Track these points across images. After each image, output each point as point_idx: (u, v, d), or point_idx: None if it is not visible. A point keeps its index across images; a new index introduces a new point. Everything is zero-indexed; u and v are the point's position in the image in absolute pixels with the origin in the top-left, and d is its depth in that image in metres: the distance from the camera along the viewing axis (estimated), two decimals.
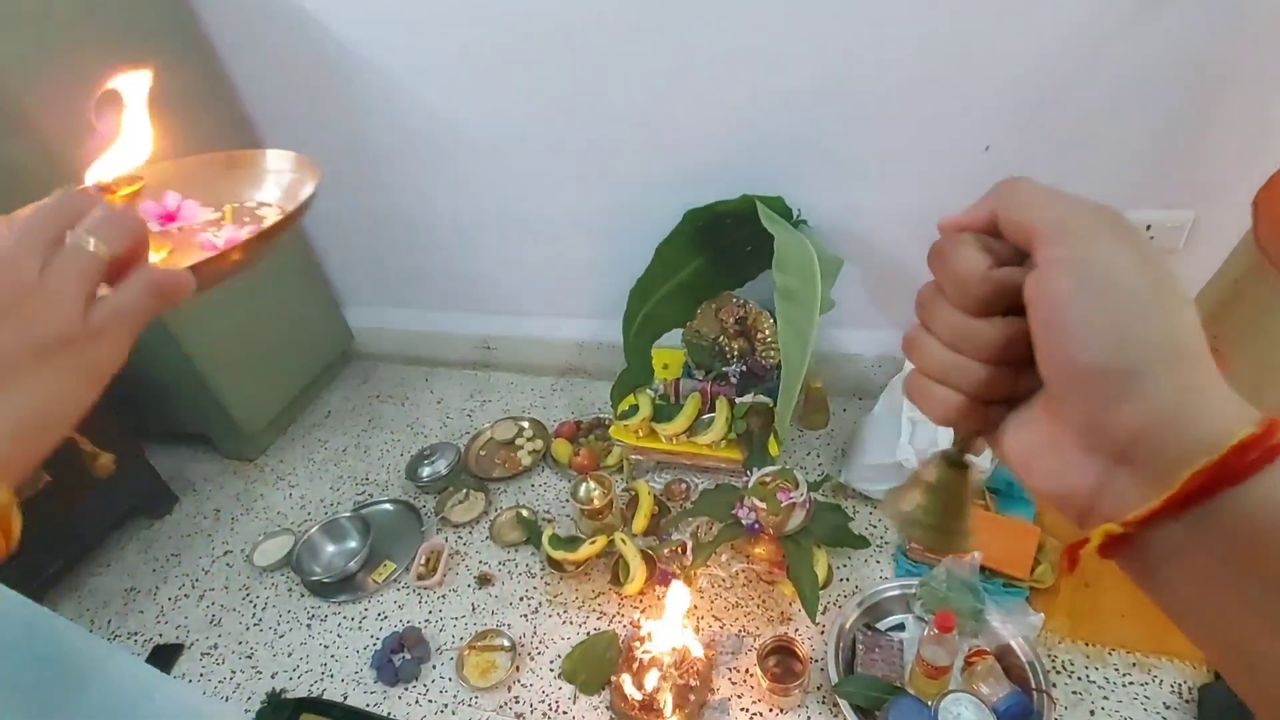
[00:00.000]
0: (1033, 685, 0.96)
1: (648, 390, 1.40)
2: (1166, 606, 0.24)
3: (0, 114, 1.13)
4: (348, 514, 1.42)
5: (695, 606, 1.17)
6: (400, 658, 1.17)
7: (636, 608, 1.19)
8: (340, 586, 1.31)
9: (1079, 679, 1.00)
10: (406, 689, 1.14)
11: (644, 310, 1.31)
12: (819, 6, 1.09)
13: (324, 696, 1.15)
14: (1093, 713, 0.97)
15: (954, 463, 0.32)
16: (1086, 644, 1.04)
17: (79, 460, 0.37)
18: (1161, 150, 1.09)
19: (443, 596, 1.27)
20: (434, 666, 1.16)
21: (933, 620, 0.95)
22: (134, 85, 0.39)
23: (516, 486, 1.47)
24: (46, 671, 0.57)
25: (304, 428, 1.74)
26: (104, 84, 0.39)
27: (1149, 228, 1.16)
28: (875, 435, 1.28)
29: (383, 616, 1.26)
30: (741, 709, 1.04)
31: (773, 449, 1.27)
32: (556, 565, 1.25)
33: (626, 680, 1.04)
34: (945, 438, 0.32)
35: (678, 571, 1.19)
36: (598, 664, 1.10)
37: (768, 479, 1.10)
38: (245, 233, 0.40)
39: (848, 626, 1.07)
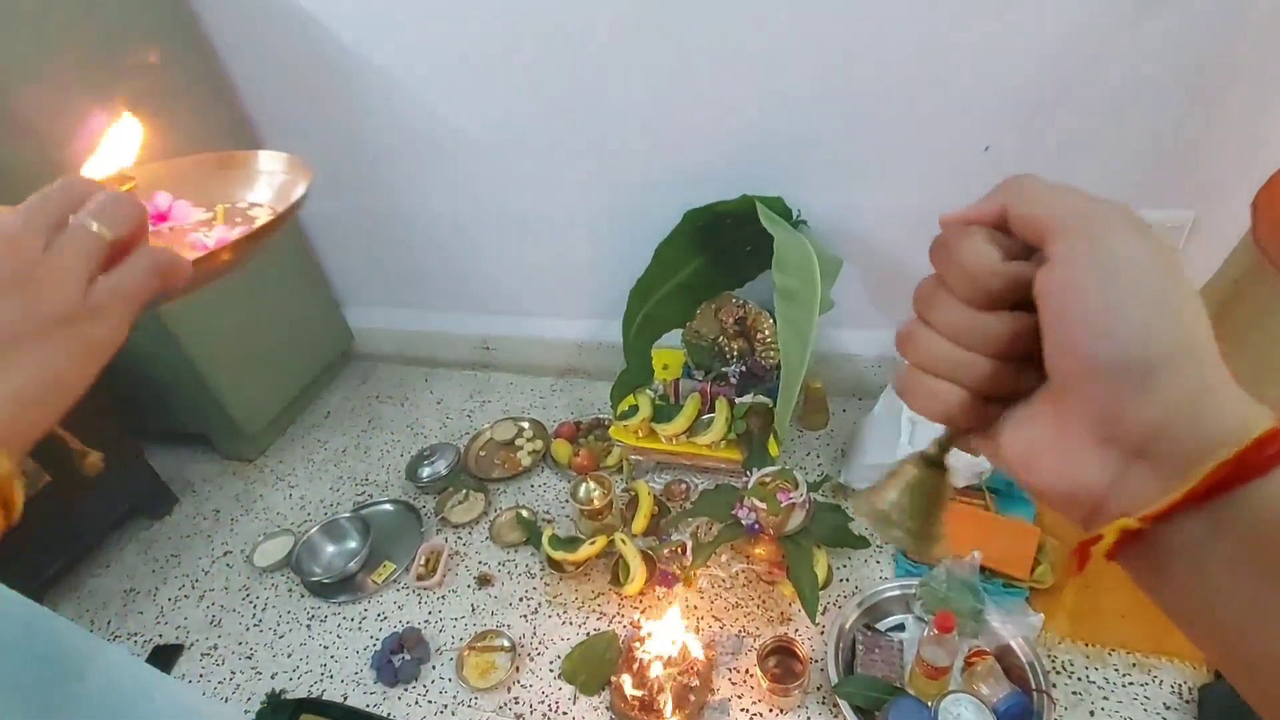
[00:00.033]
0: (1033, 686, 0.96)
1: (647, 391, 1.40)
2: (1173, 607, 0.24)
3: None
4: (347, 514, 1.42)
5: (695, 607, 1.17)
6: (400, 658, 1.17)
7: (636, 608, 1.19)
8: (340, 587, 1.31)
9: (1079, 679, 1.00)
10: (406, 689, 1.14)
11: (644, 310, 1.31)
12: (819, 7, 1.09)
13: (324, 697, 1.15)
14: (1093, 713, 0.97)
15: (933, 463, 0.31)
16: (1086, 644, 1.04)
17: (69, 459, 0.37)
18: (1161, 150, 1.09)
19: (442, 597, 1.27)
20: (434, 667, 1.16)
21: (933, 620, 0.95)
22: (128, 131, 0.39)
23: (516, 487, 1.47)
24: (46, 671, 0.57)
25: (304, 428, 1.74)
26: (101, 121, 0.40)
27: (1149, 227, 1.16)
28: (875, 435, 1.28)
29: (382, 617, 1.26)
30: (741, 709, 1.04)
31: (772, 449, 1.27)
32: (556, 566, 1.25)
33: (627, 681, 1.04)
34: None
35: (678, 572, 1.19)
36: (598, 664, 1.10)
37: (767, 479, 1.10)
38: (236, 233, 0.40)
39: (848, 627, 1.07)
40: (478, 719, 1.08)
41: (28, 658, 0.56)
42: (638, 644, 1.08)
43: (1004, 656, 1.00)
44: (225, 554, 1.44)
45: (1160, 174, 1.11)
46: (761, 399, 1.33)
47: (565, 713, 1.07)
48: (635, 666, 1.05)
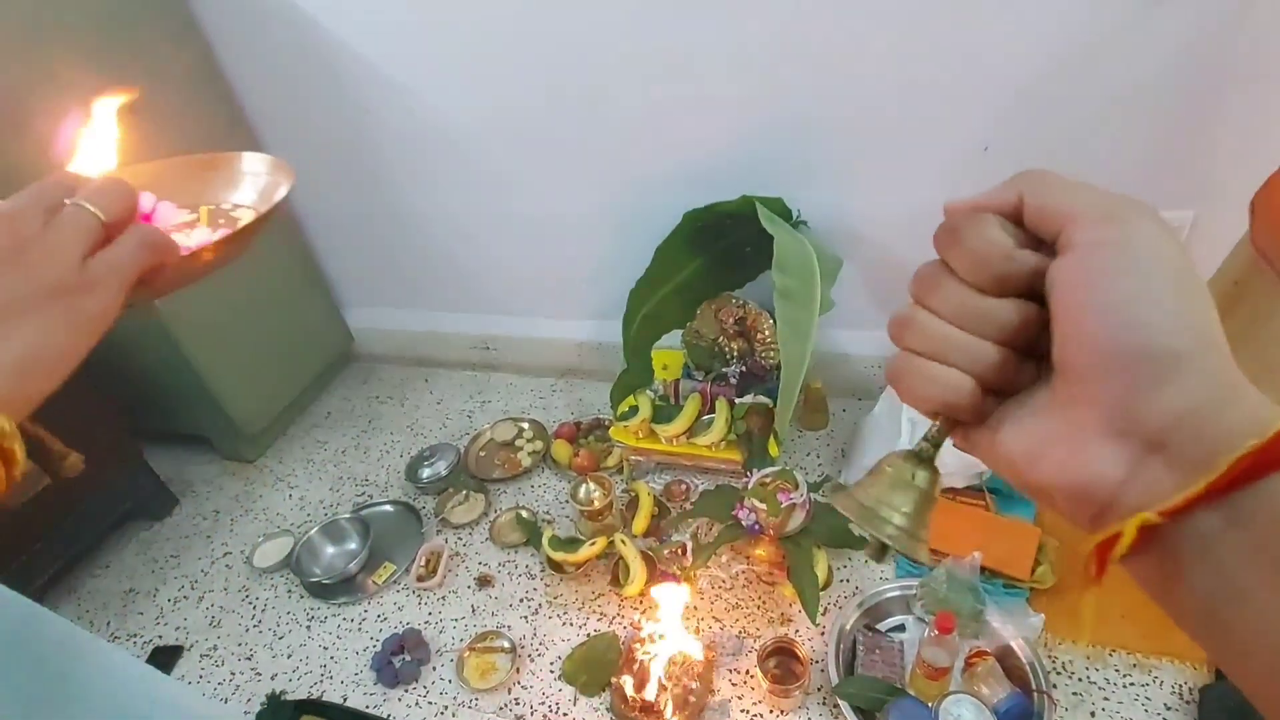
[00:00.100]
0: (1033, 686, 0.96)
1: (647, 391, 1.40)
2: (1183, 607, 0.23)
3: None
4: (347, 515, 1.42)
5: (695, 608, 1.17)
6: (400, 659, 1.16)
7: (637, 609, 1.19)
8: (340, 588, 1.31)
9: (1079, 680, 1.00)
10: (406, 691, 1.13)
11: (644, 311, 1.31)
12: (819, 7, 1.09)
13: (324, 698, 1.15)
14: (1093, 714, 0.97)
15: (922, 460, 0.30)
16: (1087, 645, 1.04)
17: (49, 461, 0.37)
18: (1161, 150, 1.09)
19: (442, 598, 1.27)
20: (434, 668, 1.16)
21: (933, 621, 0.95)
22: (108, 106, 0.41)
23: (516, 487, 1.47)
24: (44, 672, 0.57)
25: (303, 429, 1.74)
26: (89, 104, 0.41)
27: None
28: (875, 436, 1.28)
29: (382, 618, 1.25)
30: (742, 710, 1.04)
31: (773, 450, 1.27)
32: (556, 566, 1.25)
33: (627, 682, 1.04)
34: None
35: (678, 573, 1.19)
36: (598, 665, 1.10)
37: (768, 480, 1.10)
38: (218, 235, 0.42)
39: (848, 628, 1.07)
40: None
41: (26, 658, 0.55)
42: (638, 645, 1.08)
43: (1004, 657, 1.00)
44: (225, 555, 1.44)
45: (1159, 174, 1.11)
46: (761, 399, 1.33)
47: (566, 714, 1.07)
48: (636, 667, 1.05)
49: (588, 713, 1.06)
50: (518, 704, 1.09)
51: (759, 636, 1.12)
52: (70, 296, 0.31)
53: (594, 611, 1.20)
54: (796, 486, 1.08)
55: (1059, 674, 1.01)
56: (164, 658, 1.25)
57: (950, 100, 1.12)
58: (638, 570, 1.18)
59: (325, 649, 1.22)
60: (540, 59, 1.27)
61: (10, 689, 0.53)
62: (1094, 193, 0.25)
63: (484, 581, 1.28)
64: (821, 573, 1.11)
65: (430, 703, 1.11)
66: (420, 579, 1.29)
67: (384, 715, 1.11)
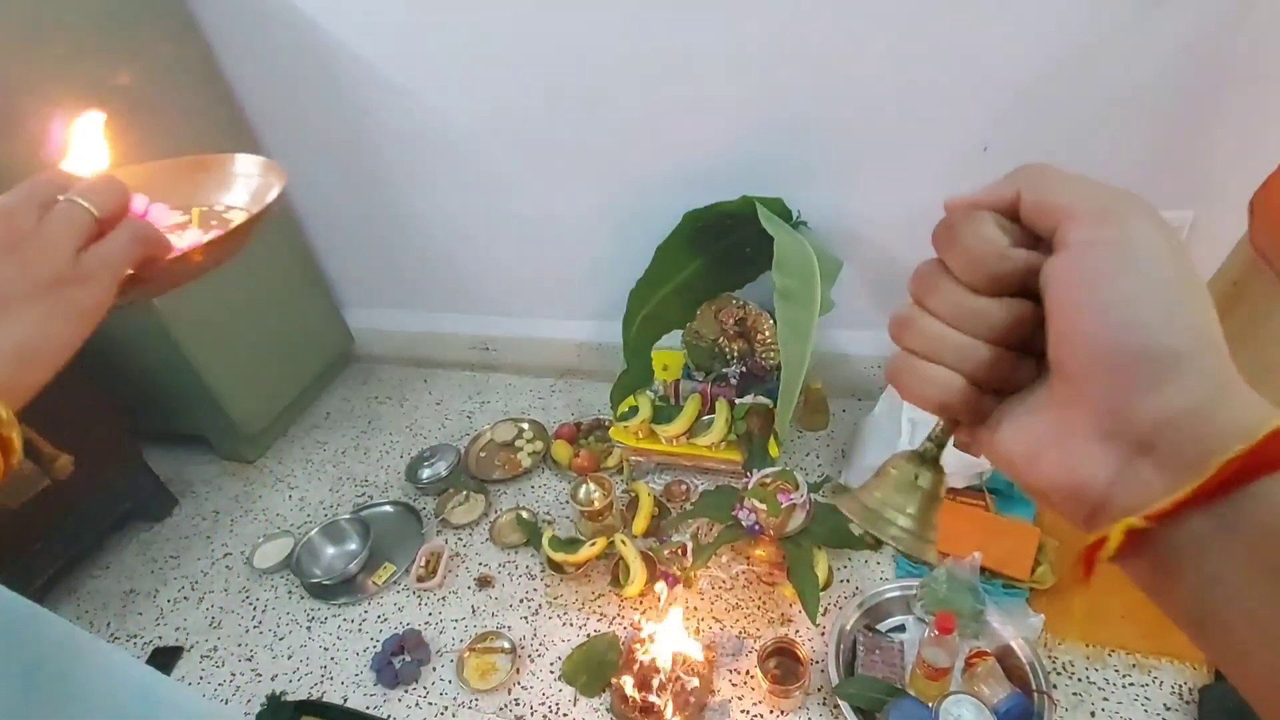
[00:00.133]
0: (1033, 686, 0.96)
1: (647, 392, 1.40)
2: (1177, 608, 0.23)
3: None
4: (347, 516, 1.42)
5: (695, 608, 1.17)
6: (400, 660, 1.16)
7: (637, 609, 1.19)
8: (340, 589, 1.31)
9: (1079, 680, 1.00)
10: (406, 691, 1.13)
11: (644, 311, 1.31)
12: (818, 9, 1.09)
13: (324, 699, 1.15)
14: (1093, 714, 0.97)
15: (927, 460, 0.30)
16: (1087, 645, 1.04)
17: (39, 462, 0.38)
18: (1160, 150, 1.09)
19: (443, 598, 1.27)
20: (434, 669, 1.16)
21: (933, 622, 0.95)
22: (93, 120, 0.41)
23: (516, 488, 1.47)
24: (44, 673, 0.57)
25: (303, 429, 1.74)
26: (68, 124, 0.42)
27: None
28: (875, 436, 1.28)
29: (382, 619, 1.25)
30: (742, 711, 1.04)
31: (773, 450, 1.27)
32: (556, 567, 1.25)
33: (627, 682, 1.04)
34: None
35: (678, 573, 1.19)
36: (598, 666, 1.10)
37: (768, 480, 1.10)
38: (209, 236, 0.42)
39: (848, 628, 1.07)
40: None
41: (23, 658, 0.55)
42: (638, 646, 1.08)
43: (1004, 657, 1.00)
44: (225, 555, 1.44)
45: (1159, 174, 1.11)
46: (762, 400, 1.33)
47: (566, 714, 1.07)
48: (636, 668, 1.05)
49: (588, 713, 1.06)
50: (518, 704, 1.09)
51: (759, 637, 1.12)
52: (65, 288, 0.32)
53: (594, 612, 1.20)
54: (796, 487, 1.09)
55: (1059, 674, 1.01)
56: (164, 658, 1.25)
57: (950, 101, 1.12)
58: (638, 571, 1.18)
59: (325, 650, 1.22)
60: (540, 60, 1.27)
61: (10, 690, 0.53)
62: (1091, 188, 0.25)
63: (484, 582, 1.28)
64: (821, 573, 1.11)
65: (430, 703, 1.11)
66: (420, 579, 1.29)
67: (384, 716, 1.11)
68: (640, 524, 1.28)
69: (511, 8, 1.23)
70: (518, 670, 1.13)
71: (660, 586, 1.15)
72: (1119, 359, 0.22)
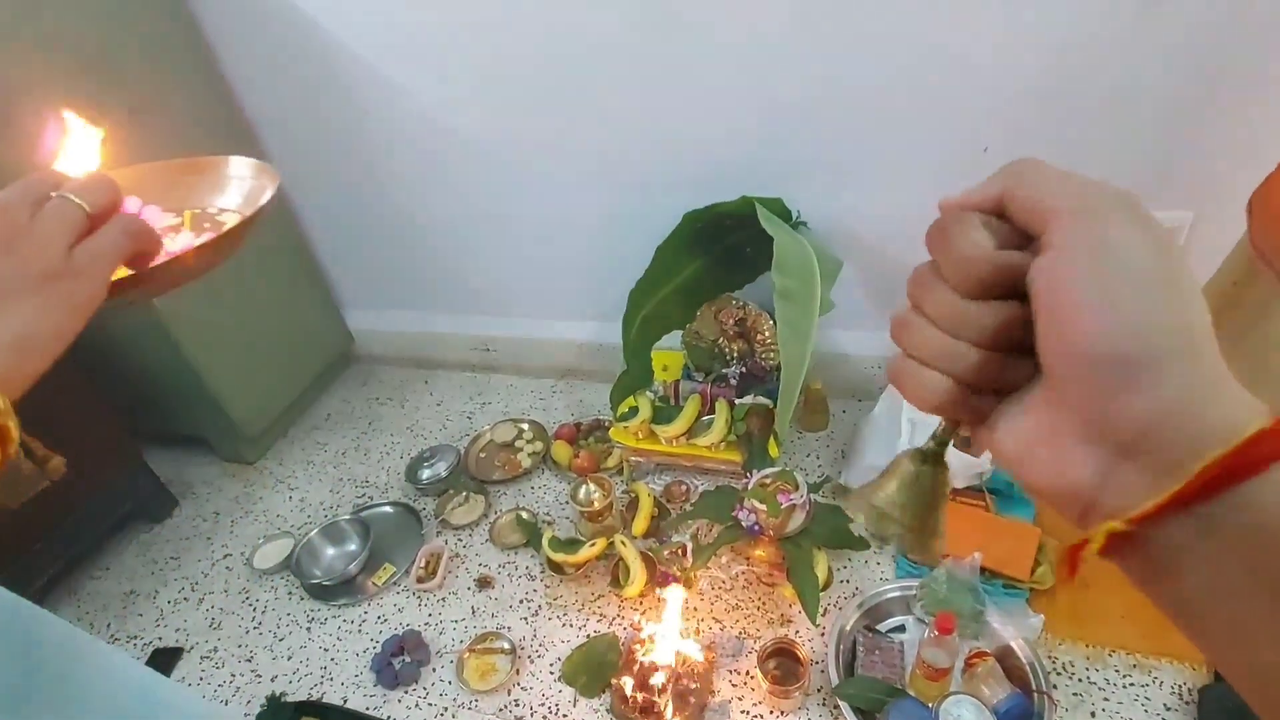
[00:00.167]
0: (1033, 687, 0.96)
1: (647, 392, 1.40)
2: (1169, 609, 0.24)
3: None
4: (347, 517, 1.42)
5: (695, 609, 1.17)
6: (400, 661, 1.16)
7: (636, 610, 1.19)
8: (340, 589, 1.31)
9: (1079, 680, 1.00)
10: (406, 692, 1.13)
11: (643, 312, 1.31)
12: (819, 9, 1.09)
13: (324, 700, 1.15)
14: (1093, 714, 0.97)
15: (931, 458, 0.30)
16: (1087, 645, 1.04)
17: (32, 463, 0.38)
18: (1160, 151, 1.09)
19: (442, 599, 1.27)
20: (434, 669, 1.16)
21: (933, 622, 0.95)
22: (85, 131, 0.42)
23: (516, 489, 1.47)
24: (44, 674, 0.57)
25: (303, 430, 1.74)
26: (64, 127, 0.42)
27: None
28: (875, 436, 1.28)
29: (382, 619, 1.25)
30: (742, 711, 1.04)
31: (773, 451, 1.27)
32: (556, 568, 1.25)
33: (627, 683, 1.04)
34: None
35: (678, 574, 1.19)
36: (598, 666, 1.10)
37: (768, 481, 1.10)
38: (202, 239, 0.42)
39: (848, 628, 1.07)
40: None
41: (23, 659, 0.55)
42: (638, 646, 1.08)
43: (1005, 658, 1.00)
44: (225, 556, 1.44)
45: (1159, 174, 1.11)
46: (761, 400, 1.33)
47: (565, 715, 1.07)
48: (636, 668, 1.05)
49: (587, 714, 1.06)
50: (518, 705, 1.09)
51: (759, 637, 1.12)
52: (58, 282, 0.33)
53: (594, 613, 1.20)
54: (796, 487, 1.09)
55: (1059, 674, 1.01)
56: (164, 659, 1.25)
57: (950, 101, 1.13)
58: (638, 571, 1.18)
59: (325, 650, 1.22)
60: (540, 60, 1.27)
61: (10, 691, 0.53)
62: (1075, 186, 0.24)
63: (484, 583, 1.28)
64: (821, 573, 1.11)
65: (430, 704, 1.11)
66: (420, 580, 1.29)
67: (384, 717, 1.11)
68: (640, 525, 1.28)
69: (511, 8, 1.23)
70: (517, 671, 1.13)
71: (671, 593, 1.10)
72: (1097, 364, 0.22)
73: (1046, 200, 0.24)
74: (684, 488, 1.39)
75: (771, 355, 1.34)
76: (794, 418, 1.45)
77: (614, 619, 1.19)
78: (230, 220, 0.46)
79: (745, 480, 1.15)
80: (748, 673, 1.08)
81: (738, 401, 1.35)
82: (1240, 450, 0.20)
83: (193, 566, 1.43)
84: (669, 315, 1.34)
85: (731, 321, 1.37)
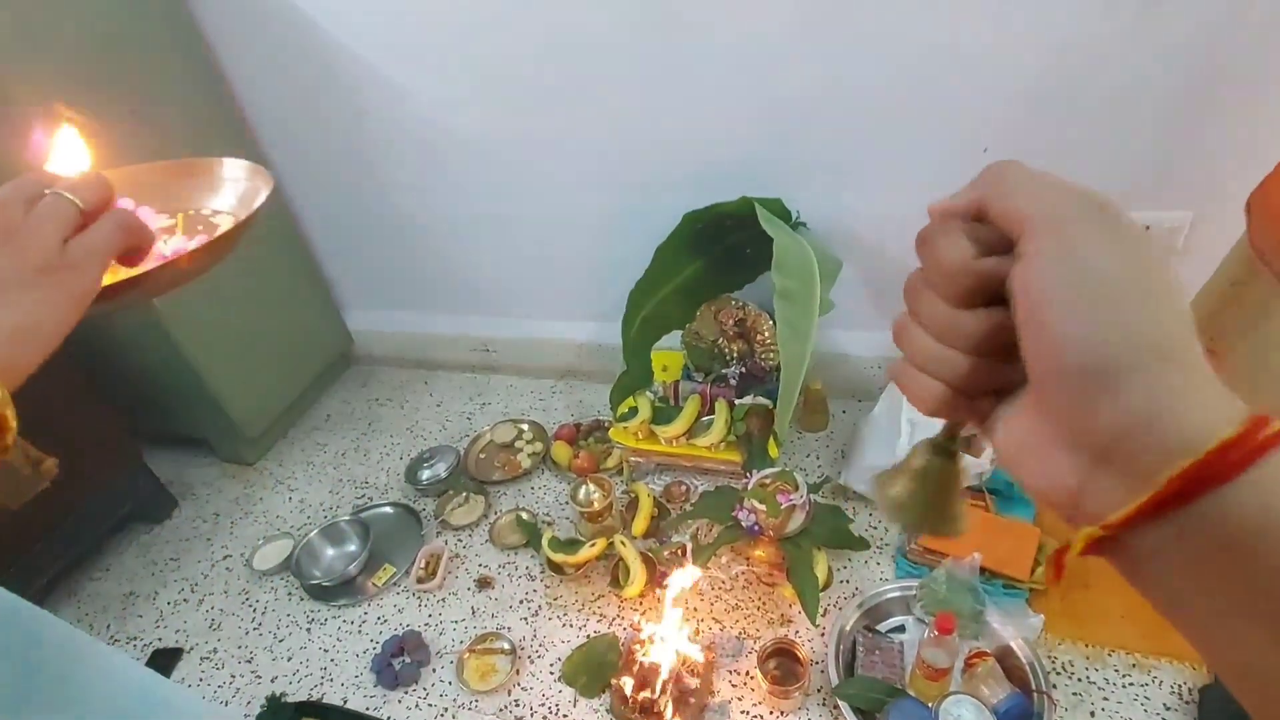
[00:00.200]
0: (1033, 687, 0.96)
1: (647, 392, 1.40)
2: (1155, 605, 0.24)
3: None
4: (347, 517, 1.42)
5: (695, 609, 1.17)
6: (400, 661, 1.17)
7: (636, 610, 1.19)
8: (340, 590, 1.31)
9: (1079, 680, 1.00)
10: (406, 693, 1.13)
11: (643, 312, 1.31)
12: (818, 9, 1.09)
13: (324, 700, 1.15)
14: (1093, 714, 0.97)
15: (941, 450, 0.31)
16: (1086, 645, 1.04)
17: (24, 465, 0.38)
18: (1159, 151, 1.09)
19: (442, 600, 1.27)
20: (434, 670, 1.16)
21: (933, 622, 0.95)
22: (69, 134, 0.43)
23: (516, 489, 1.47)
24: (45, 675, 0.57)
25: (303, 431, 1.74)
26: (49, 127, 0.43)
27: (1147, 228, 1.16)
28: (875, 437, 1.28)
29: (382, 620, 1.25)
30: (742, 712, 1.04)
31: (772, 451, 1.27)
32: (556, 568, 1.25)
33: (627, 683, 1.04)
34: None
35: None
36: (598, 667, 1.10)
37: (767, 481, 1.10)
38: (194, 243, 0.43)
39: (848, 628, 1.07)
40: None
41: (23, 660, 0.55)
42: (638, 646, 1.08)
43: (1004, 658, 1.00)
44: (225, 557, 1.44)
45: (1158, 175, 1.12)
46: (761, 400, 1.34)
47: (565, 715, 1.07)
48: (636, 669, 1.05)
49: (587, 714, 1.06)
50: (518, 706, 1.09)
51: (759, 638, 1.12)
52: (53, 275, 0.34)
53: (594, 613, 1.20)
54: (796, 487, 1.09)
55: (1059, 674, 1.01)
56: (164, 660, 1.25)
57: (949, 101, 1.13)
58: (637, 572, 1.18)
59: (325, 651, 1.22)
60: (539, 60, 1.28)
61: (11, 691, 0.53)
62: (1046, 193, 0.24)
63: (484, 583, 1.28)
64: (821, 573, 1.11)
65: (430, 705, 1.11)
66: (420, 581, 1.29)
67: (384, 717, 1.11)
68: (640, 525, 1.28)
69: (512, 8, 1.23)
70: (517, 671, 1.13)
71: (677, 577, 1.09)
72: (1069, 374, 0.23)
73: (1019, 208, 0.24)
74: (684, 488, 1.39)
75: (771, 355, 1.34)
76: (794, 418, 1.45)
77: (614, 619, 1.19)
78: (224, 222, 0.47)
79: (745, 480, 1.15)
80: (748, 673, 1.08)
81: (737, 402, 1.35)
82: (1207, 460, 0.20)
83: (193, 567, 1.43)
84: (669, 315, 1.34)
85: (731, 322, 1.37)
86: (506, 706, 1.09)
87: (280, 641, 1.25)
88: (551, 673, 1.12)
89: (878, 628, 1.09)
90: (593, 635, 1.16)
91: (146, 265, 0.40)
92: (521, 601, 1.24)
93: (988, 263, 0.25)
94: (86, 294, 0.35)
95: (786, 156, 1.26)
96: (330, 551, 1.38)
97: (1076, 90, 1.07)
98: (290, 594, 1.33)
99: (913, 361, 0.28)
